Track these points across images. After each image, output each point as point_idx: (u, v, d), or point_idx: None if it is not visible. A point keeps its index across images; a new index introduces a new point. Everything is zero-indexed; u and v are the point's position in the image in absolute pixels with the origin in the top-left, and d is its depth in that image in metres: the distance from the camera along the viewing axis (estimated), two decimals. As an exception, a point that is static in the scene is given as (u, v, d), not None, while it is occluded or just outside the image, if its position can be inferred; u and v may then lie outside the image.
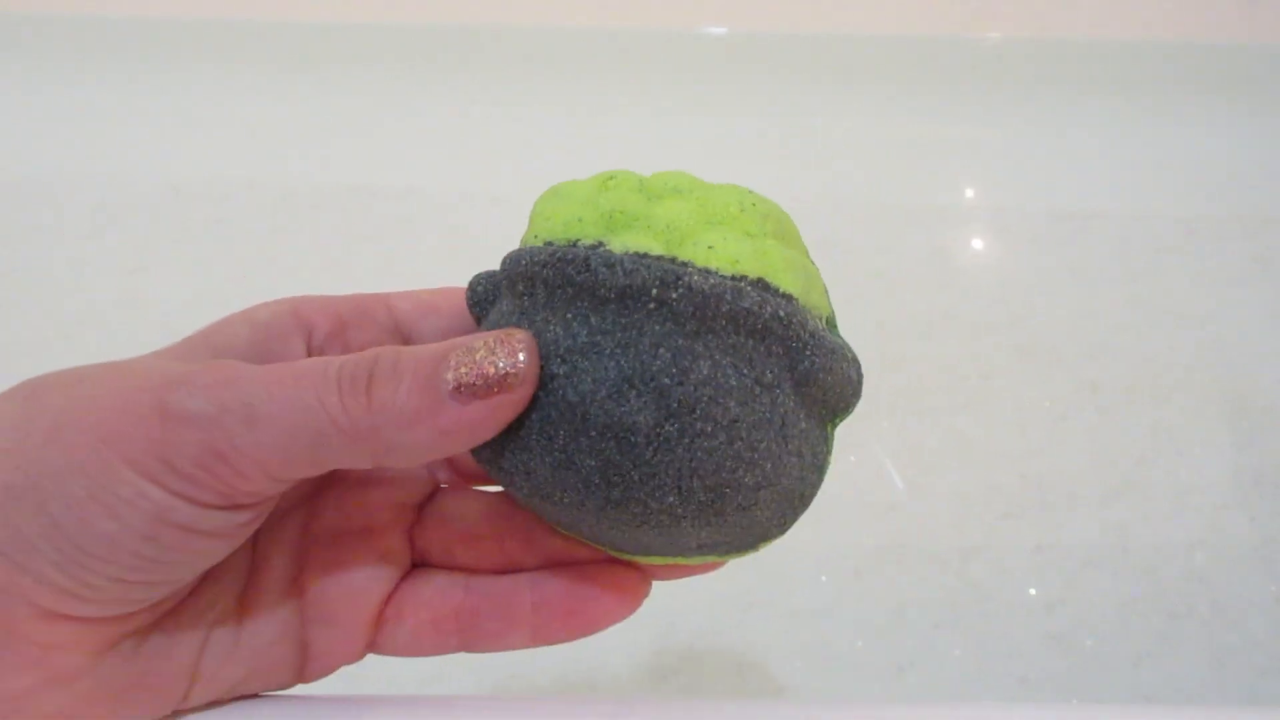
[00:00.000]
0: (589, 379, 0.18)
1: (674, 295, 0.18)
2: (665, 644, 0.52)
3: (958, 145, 0.74)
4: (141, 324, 0.63)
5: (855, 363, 0.22)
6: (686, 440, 0.18)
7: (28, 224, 0.70)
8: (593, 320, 0.19)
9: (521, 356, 0.18)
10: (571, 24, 0.79)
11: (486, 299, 0.21)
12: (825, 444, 0.22)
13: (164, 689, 0.20)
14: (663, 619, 0.53)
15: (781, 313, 0.20)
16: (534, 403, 0.19)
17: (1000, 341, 0.63)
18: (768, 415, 0.19)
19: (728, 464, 0.19)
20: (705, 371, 0.18)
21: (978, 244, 0.69)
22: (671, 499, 0.19)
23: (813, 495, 0.22)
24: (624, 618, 0.22)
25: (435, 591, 0.22)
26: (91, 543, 0.17)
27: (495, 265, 0.22)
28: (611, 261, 0.19)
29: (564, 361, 0.18)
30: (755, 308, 0.19)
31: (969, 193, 0.72)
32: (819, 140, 0.74)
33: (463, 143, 0.74)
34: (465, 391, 0.18)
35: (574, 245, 0.20)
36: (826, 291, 0.23)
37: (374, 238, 0.68)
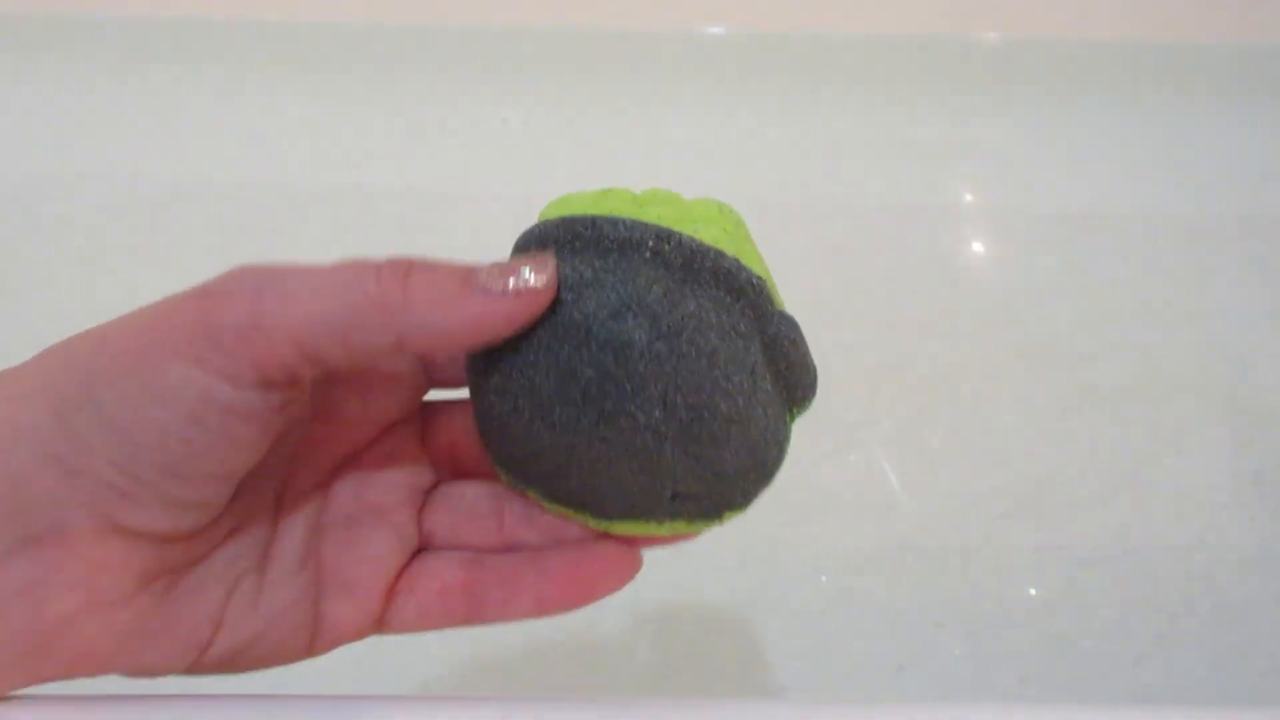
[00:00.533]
0: (592, 303, 0.21)
1: (667, 247, 0.22)
2: (665, 644, 0.52)
3: (958, 145, 0.74)
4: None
5: (811, 358, 0.25)
6: (674, 359, 0.21)
7: (28, 224, 0.70)
8: (597, 264, 0.22)
9: (545, 271, 0.21)
10: (571, 24, 0.79)
11: None
12: (786, 426, 0.25)
13: (191, 634, 0.21)
14: (663, 619, 0.53)
15: (754, 281, 0.22)
16: (542, 323, 0.21)
17: (1000, 341, 0.63)
18: (741, 357, 0.22)
19: (706, 385, 0.21)
20: (691, 307, 0.21)
21: (978, 244, 0.69)
22: (657, 413, 0.21)
23: (775, 469, 0.25)
24: (618, 588, 0.24)
25: (444, 565, 0.24)
26: (144, 432, 0.19)
27: None
28: (615, 221, 0.22)
29: (571, 291, 0.21)
30: (734, 269, 0.22)
31: (969, 193, 0.72)
32: (819, 140, 0.74)
33: (463, 143, 0.74)
34: (495, 289, 0.20)
35: None
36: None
37: (374, 238, 0.68)
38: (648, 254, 0.22)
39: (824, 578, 0.54)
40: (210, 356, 0.19)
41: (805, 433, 0.60)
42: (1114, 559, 0.55)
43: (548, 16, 0.79)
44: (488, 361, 0.22)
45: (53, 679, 0.22)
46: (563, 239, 0.22)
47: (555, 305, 0.21)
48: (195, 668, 0.22)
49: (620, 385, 0.21)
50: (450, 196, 0.70)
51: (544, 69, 0.77)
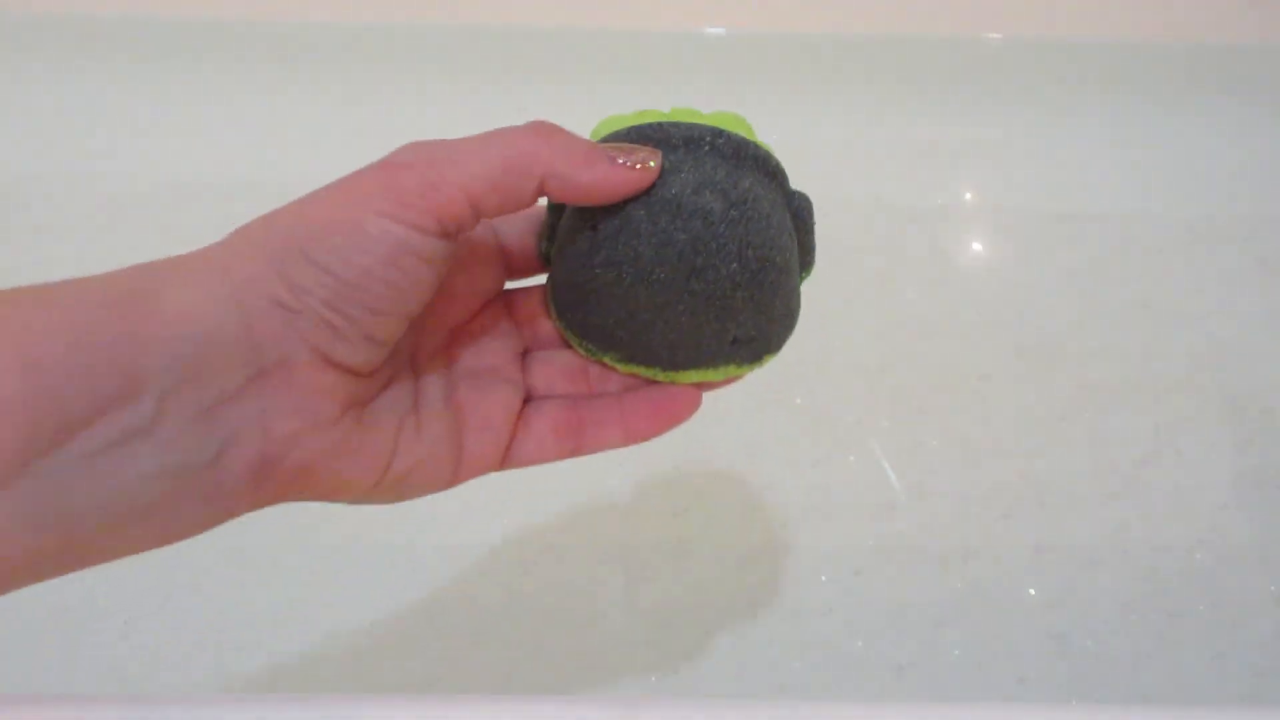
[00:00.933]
0: (677, 184, 0.27)
1: (720, 141, 0.28)
2: (665, 644, 0.52)
3: (958, 145, 0.74)
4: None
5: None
6: (744, 221, 0.27)
7: (28, 224, 0.70)
8: (670, 158, 0.27)
9: (656, 158, 0.27)
10: (571, 25, 0.79)
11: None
12: (799, 288, 0.31)
13: (377, 455, 0.26)
14: (663, 619, 0.53)
15: (780, 166, 0.29)
16: (639, 204, 0.27)
17: (1000, 341, 0.63)
18: (784, 220, 0.29)
19: (768, 241, 0.28)
20: (747, 184, 0.28)
21: (978, 244, 0.69)
22: (735, 265, 0.27)
23: (796, 320, 0.31)
24: (687, 417, 0.30)
25: (550, 408, 0.29)
26: (351, 274, 0.23)
27: None
28: (676, 124, 0.28)
29: (665, 175, 0.27)
30: (767, 156, 0.29)
31: (969, 193, 0.72)
32: (819, 140, 0.74)
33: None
34: (620, 161, 0.26)
35: None
36: None
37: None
38: (706, 148, 0.28)
39: (824, 578, 0.54)
40: (401, 212, 0.24)
41: (805, 433, 0.60)
42: (1114, 559, 0.55)
43: (547, 18, 0.80)
44: (591, 243, 0.27)
45: (272, 499, 0.25)
46: (639, 140, 0.28)
47: (649, 190, 0.27)
48: (376, 488, 0.27)
49: (707, 244, 0.27)
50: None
51: (544, 69, 0.77)
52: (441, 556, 0.55)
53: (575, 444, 0.30)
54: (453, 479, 0.28)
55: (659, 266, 0.27)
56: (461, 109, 0.75)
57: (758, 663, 0.52)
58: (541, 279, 0.31)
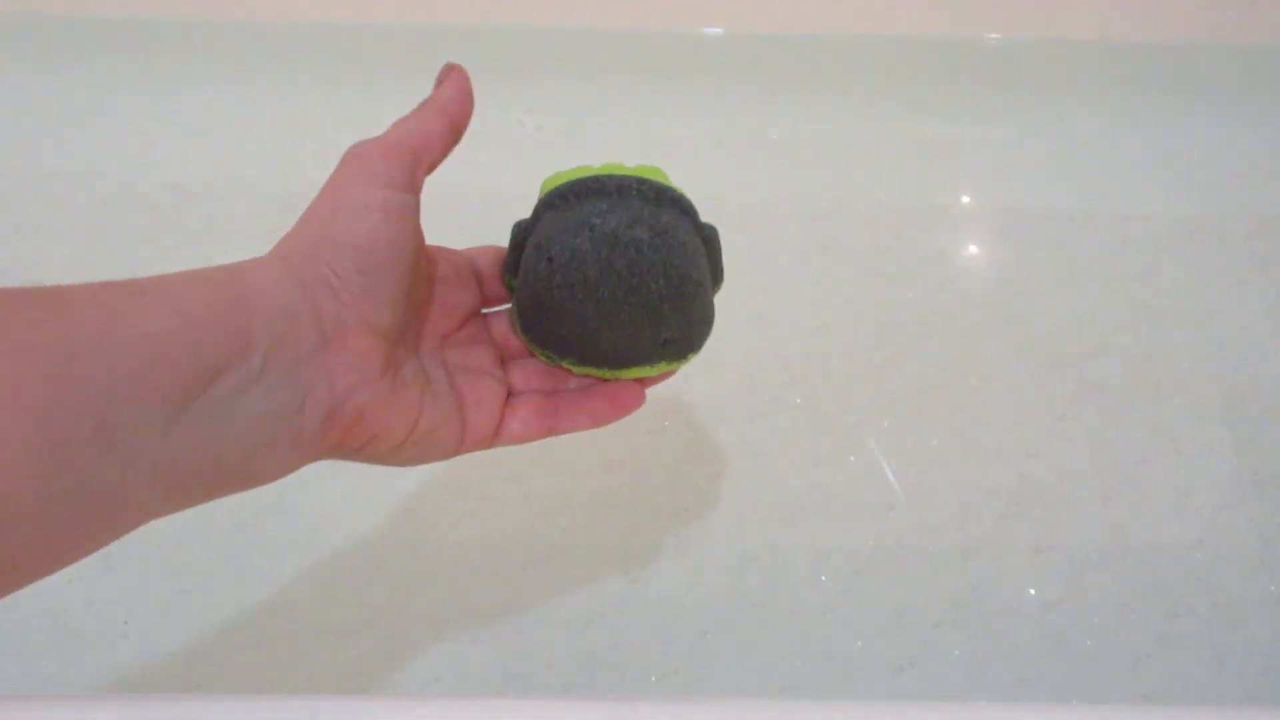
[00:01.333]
0: (614, 221, 0.34)
1: (644, 187, 0.35)
2: (665, 644, 0.52)
3: (958, 145, 0.74)
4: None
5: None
6: (666, 248, 0.34)
7: (28, 224, 0.70)
8: (605, 203, 0.35)
9: (454, 70, 0.38)
10: (570, 25, 0.79)
11: (524, 232, 0.36)
12: (712, 300, 0.37)
13: (410, 409, 0.32)
14: (663, 618, 0.53)
15: (691, 205, 0.37)
16: (587, 240, 0.34)
17: (1000, 341, 0.63)
18: (698, 246, 0.36)
19: (685, 262, 0.35)
20: (667, 219, 0.35)
21: (977, 244, 0.69)
22: (661, 281, 0.34)
23: (711, 325, 0.37)
24: (636, 407, 0.36)
25: (529, 399, 0.36)
26: (362, 238, 0.30)
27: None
28: (610, 176, 0.35)
29: (599, 216, 0.34)
30: (681, 198, 0.36)
31: (969, 193, 0.72)
32: (819, 140, 0.74)
33: (463, 143, 0.74)
34: (451, 79, 0.38)
35: None
36: None
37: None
38: (634, 193, 0.35)
39: (824, 578, 0.54)
40: (377, 180, 0.31)
41: (805, 433, 0.60)
42: (1114, 559, 0.55)
43: (547, 18, 0.80)
44: (548, 271, 0.34)
45: (335, 446, 0.31)
46: (576, 191, 0.35)
47: (591, 227, 0.34)
48: (406, 441, 0.32)
49: (639, 267, 0.33)
50: (448, 195, 0.70)
51: (544, 69, 0.77)
52: (441, 556, 0.55)
53: (551, 425, 0.36)
54: (458, 447, 0.35)
55: (603, 286, 0.33)
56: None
57: (758, 663, 0.52)
58: (507, 306, 0.39)
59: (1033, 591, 0.54)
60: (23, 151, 0.75)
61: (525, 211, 0.37)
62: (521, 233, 0.37)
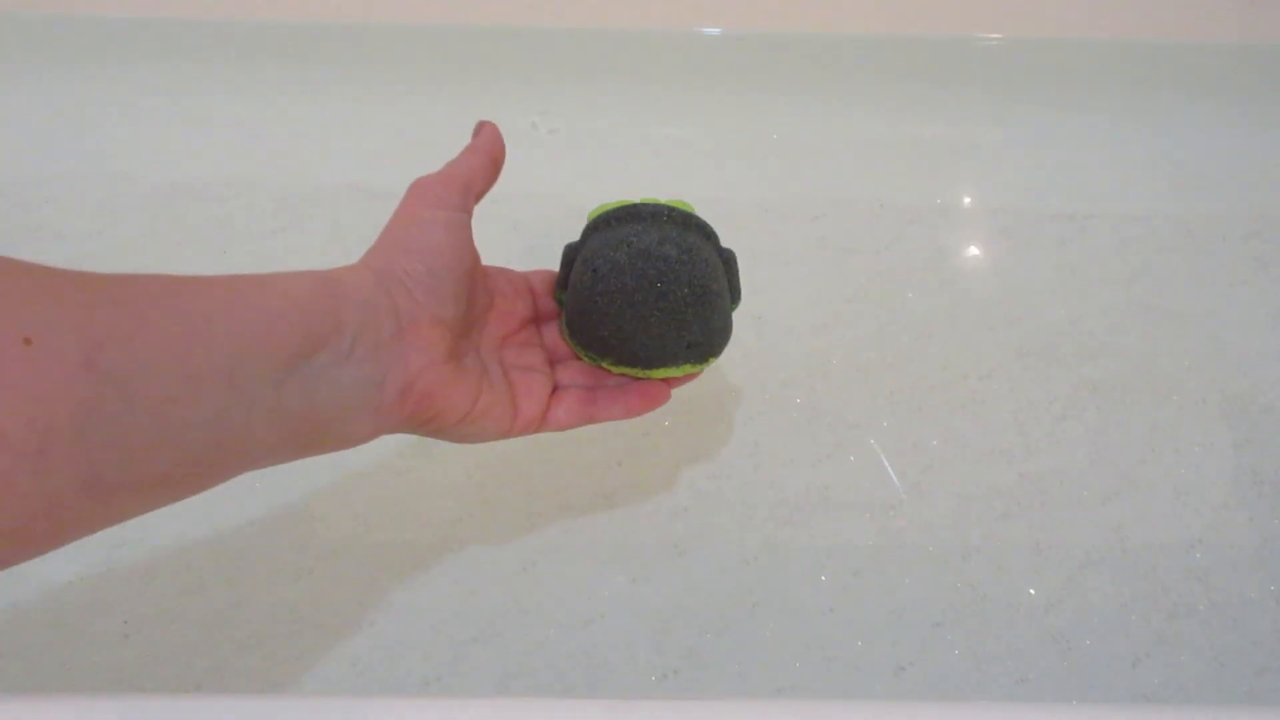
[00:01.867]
0: (647, 240, 0.41)
1: (674, 213, 0.42)
2: (665, 644, 0.52)
3: (958, 145, 0.74)
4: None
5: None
6: (691, 263, 0.40)
7: (28, 224, 0.70)
8: (640, 225, 0.41)
9: (486, 127, 0.45)
10: (569, 25, 0.79)
11: (573, 252, 0.43)
12: (730, 313, 0.43)
13: (470, 389, 0.38)
14: (663, 619, 0.53)
15: (714, 231, 0.43)
16: (624, 254, 0.40)
17: (1000, 341, 0.63)
18: (718, 264, 0.42)
19: (707, 275, 0.41)
20: (692, 240, 0.41)
21: (978, 244, 0.69)
22: (686, 290, 0.40)
23: (729, 334, 0.43)
24: (663, 403, 0.43)
25: (573, 391, 0.42)
26: (429, 247, 0.38)
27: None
28: (644, 204, 0.42)
29: (635, 236, 0.41)
30: (704, 224, 0.43)
31: (969, 193, 0.72)
32: (819, 140, 0.74)
33: (462, 143, 0.74)
34: (485, 133, 0.45)
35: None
36: None
37: (374, 238, 0.68)
38: (664, 217, 0.42)
39: (824, 578, 0.54)
40: (438, 203, 0.39)
41: (805, 433, 0.60)
42: (1114, 559, 0.55)
43: (545, 18, 0.79)
44: (593, 281, 0.40)
45: (411, 414, 0.37)
46: (618, 216, 0.42)
47: (629, 244, 0.40)
48: (467, 418, 0.38)
49: (668, 277, 0.40)
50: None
51: (543, 69, 0.77)
52: (441, 556, 0.55)
53: (591, 414, 0.42)
54: (510, 428, 0.40)
55: (638, 292, 0.40)
56: (460, 108, 0.75)
57: (758, 663, 0.52)
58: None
59: (1033, 591, 0.54)
60: (23, 151, 0.75)
61: (536, 209, 0.48)
62: (570, 252, 0.43)
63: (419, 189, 0.40)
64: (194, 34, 0.80)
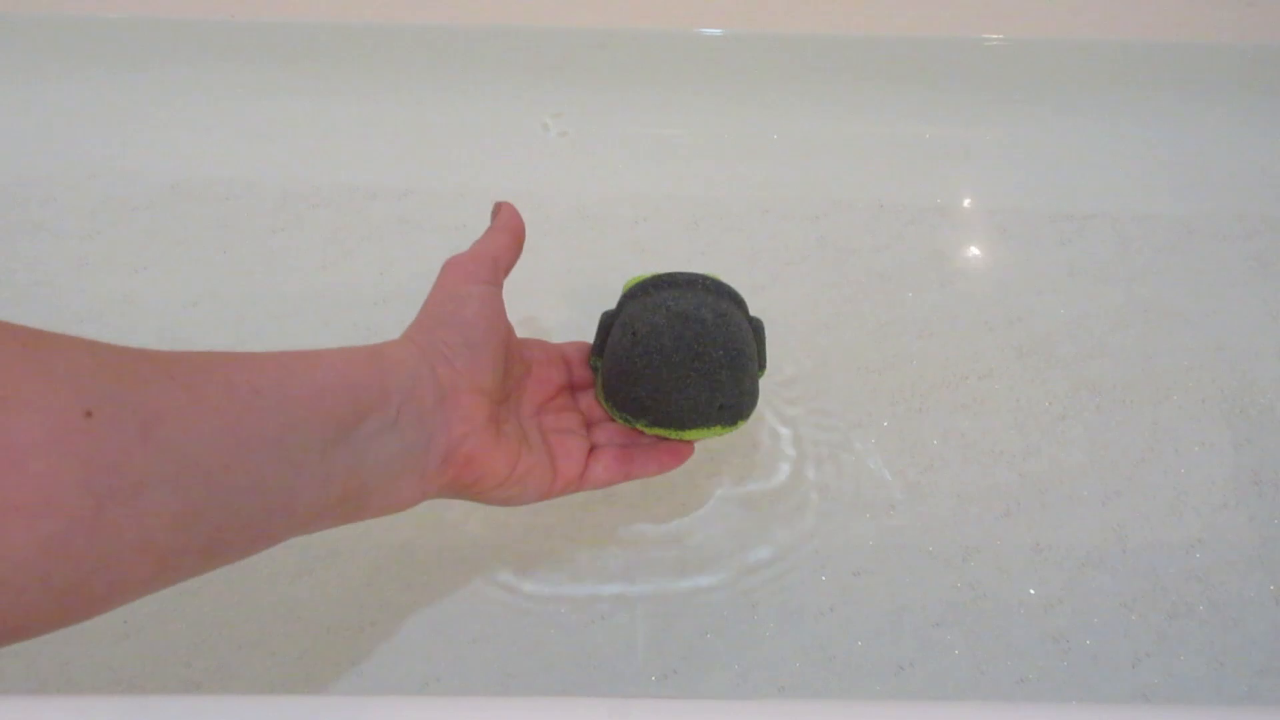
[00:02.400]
0: (684, 304, 0.43)
1: (708, 281, 0.45)
2: (665, 644, 0.52)
3: (958, 145, 0.74)
4: (141, 324, 0.63)
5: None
6: (724, 327, 0.43)
7: (28, 224, 0.70)
8: (678, 291, 0.44)
9: (503, 207, 0.47)
10: (569, 25, 0.79)
11: (609, 319, 0.46)
12: (758, 379, 0.45)
13: (509, 455, 0.40)
14: (663, 618, 0.53)
15: (743, 299, 0.46)
16: (663, 317, 0.42)
17: (1000, 341, 0.63)
18: (747, 330, 0.44)
19: (739, 339, 0.43)
20: (725, 306, 0.44)
21: (977, 244, 0.69)
22: (720, 352, 0.42)
23: (757, 398, 0.45)
24: (688, 458, 0.45)
25: (609, 451, 0.44)
26: (467, 319, 0.40)
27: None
28: (682, 272, 0.45)
29: (673, 300, 0.43)
30: (735, 292, 0.45)
31: (969, 193, 0.72)
32: (819, 140, 0.74)
33: (462, 143, 0.74)
34: (503, 215, 0.47)
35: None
36: None
37: (374, 238, 0.68)
38: (699, 285, 0.44)
39: (824, 577, 0.54)
40: (472, 279, 0.41)
41: (805, 433, 0.60)
42: (1114, 559, 0.55)
43: (546, 18, 0.79)
44: (632, 343, 0.42)
45: (454, 479, 0.38)
46: (655, 284, 0.45)
47: (667, 308, 0.43)
48: (507, 480, 0.40)
49: (704, 340, 0.42)
50: (450, 196, 0.70)
51: (544, 69, 0.77)
52: (441, 556, 0.55)
53: (628, 471, 0.44)
54: (551, 489, 0.42)
55: (675, 353, 0.42)
56: (461, 109, 0.75)
57: (758, 663, 0.52)
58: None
59: (1033, 591, 0.54)
60: (23, 151, 0.75)
61: (546, 211, 0.52)
62: (607, 319, 0.46)
63: (452, 267, 0.42)
64: (193, 34, 0.80)
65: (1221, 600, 0.53)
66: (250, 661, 0.51)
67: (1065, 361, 0.62)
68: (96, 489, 0.27)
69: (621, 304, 0.46)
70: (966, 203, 0.71)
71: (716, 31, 0.77)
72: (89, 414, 0.27)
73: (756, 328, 0.46)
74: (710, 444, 0.59)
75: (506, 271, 0.44)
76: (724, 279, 0.46)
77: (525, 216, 0.45)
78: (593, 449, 0.45)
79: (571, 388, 0.47)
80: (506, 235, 0.45)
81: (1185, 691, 0.51)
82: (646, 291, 0.45)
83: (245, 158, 0.74)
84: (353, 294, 0.65)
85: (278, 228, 0.69)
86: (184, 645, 0.52)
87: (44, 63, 0.79)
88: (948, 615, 0.53)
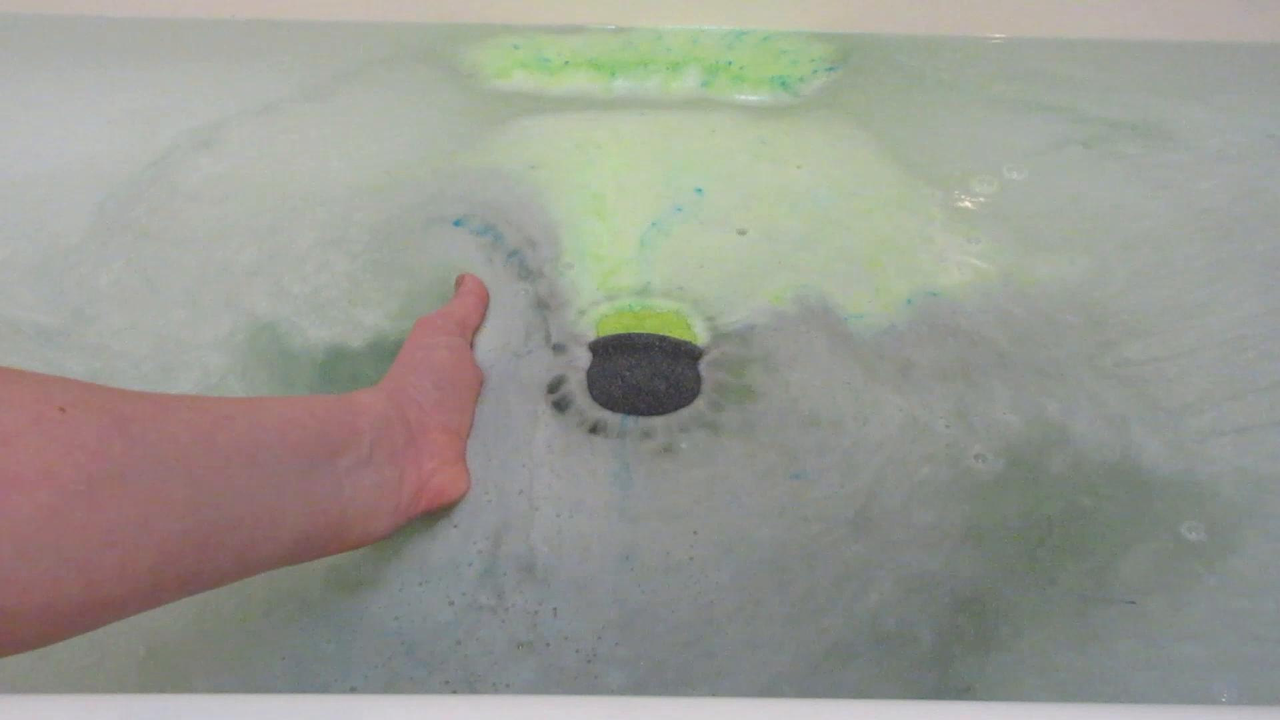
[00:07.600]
0: (639, 374, 0.53)
1: (664, 345, 0.55)
2: (665, 644, 0.52)
3: (957, 145, 0.74)
4: (141, 324, 0.63)
5: None
6: (677, 394, 0.52)
7: (28, 224, 0.70)
8: (634, 356, 0.54)
9: (466, 279, 0.57)
10: (568, 24, 0.79)
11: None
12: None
13: (461, 483, 0.46)
14: (663, 618, 0.53)
15: (699, 349, 0.55)
16: (617, 387, 0.53)
17: (1000, 341, 0.63)
18: (697, 378, 0.52)
19: (687, 397, 0.51)
20: (681, 369, 0.53)
21: (977, 244, 0.69)
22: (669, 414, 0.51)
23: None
24: None
25: None
26: (435, 366, 0.46)
27: None
28: (639, 335, 0.55)
29: (630, 368, 0.53)
30: (692, 348, 0.55)
31: (968, 193, 0.72)
32: (817, 140, 0.74)
33: (462, 143, 0.74)
34: (468, 287, 0.56)
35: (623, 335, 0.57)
36: None
37: (373, 237, 0.68)
38: (655, 349, 0.54)
39: (823, 577, 0.54)
40: (443, 333, 0.47)
41: (806, 432, 0.60)
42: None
43: (544, 17, 0.80)
44: (614, 371, 0.53)
45: (425, 508, 0.44)
46: (619, 345, 0.54)
47: (624, 377, 0.53)
48: (447, 502, 0.46)
49: (659, 404, 0.52)
50: (445, 195, 0.70)
51: (544, 69, 0.77)
52: (441, 557, 0.55)
53: None
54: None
55: (642, 384, 0.54)
56: (460, 109, 0.76)
57: (758, 663, 0.52)
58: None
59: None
60: (23, 151, 0.75)
61: (525, 183, 0.62)
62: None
63: (422, 323, 0.48)
64: (193, 34, 0.80)
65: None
66: (250, 661, 0.51)
67: (1075, 359, 0.62)
68: (85, 468, 0.28)
69: (591, 349, 0.54)
70: (965, 203, 0.71)
71: (714, 30, 0.77)
72: (63, 409, 0.28)
73: (701, 374, 0.55)
74: (708, 444, 0.59)
75: (474, 331, 0.50)
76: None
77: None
78: None
79: None
80: (472, 299, 0.51)
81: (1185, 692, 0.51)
82: (608, 353, 0.53)
83: (245, 157, 0.74)
84: None
85: (277, 227, 0.69)
86: (184, 645, 0.52)
87: (44, 62, 0.79)
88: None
